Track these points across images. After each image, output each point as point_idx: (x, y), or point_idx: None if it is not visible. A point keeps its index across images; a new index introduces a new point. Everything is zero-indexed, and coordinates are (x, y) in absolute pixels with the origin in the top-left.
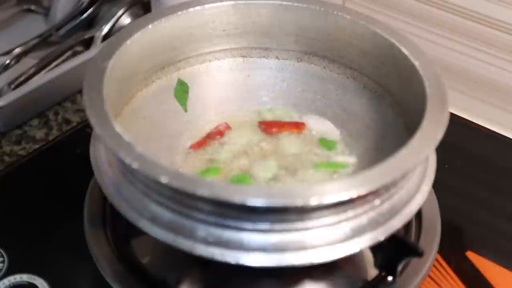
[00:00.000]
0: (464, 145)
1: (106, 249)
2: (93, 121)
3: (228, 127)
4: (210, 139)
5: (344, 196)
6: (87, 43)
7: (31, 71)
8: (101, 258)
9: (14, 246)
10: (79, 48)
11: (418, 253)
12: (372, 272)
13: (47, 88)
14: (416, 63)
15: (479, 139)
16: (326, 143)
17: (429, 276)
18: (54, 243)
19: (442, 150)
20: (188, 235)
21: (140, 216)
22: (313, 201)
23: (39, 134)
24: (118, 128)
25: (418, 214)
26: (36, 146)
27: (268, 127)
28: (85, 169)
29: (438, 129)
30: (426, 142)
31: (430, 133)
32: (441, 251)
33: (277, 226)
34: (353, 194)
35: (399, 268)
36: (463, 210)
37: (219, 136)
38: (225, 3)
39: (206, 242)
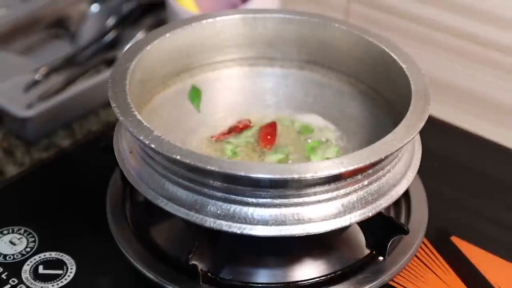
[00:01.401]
0: (450, 143)
1: (127, 231)
2: (116, 110)
3: (246, 126)
4: (230, 132)
5: (334, 171)
6: (110, 63)
7: (58, 86)
8: (122, 238)
9: (44, 228)
10: (102, 68)
11: (404, 230)
12: (364, 252)
13: (73, 102)
14: (404, 66)
15: (465, 137)
16: (305, 128)
17: (416, 256)
18: (80, 226)
19: (432, 149)
20: (199, 210)
21: (158, 195)
22: (308, 175)
23: (65, 143)
24: (138, 116)
25: (408, 201)
26: None
27: (265, 141)
28: (108, 162)
29: (420, 119)
30: (409, 130)
31: (413, 122)
32: (427, 235)
33: (277, 201)
34: (342, 170)
35: (388, 246)
36: (449, 198)
37: (237, 131)
38: (234, 16)
39: (215, 215)
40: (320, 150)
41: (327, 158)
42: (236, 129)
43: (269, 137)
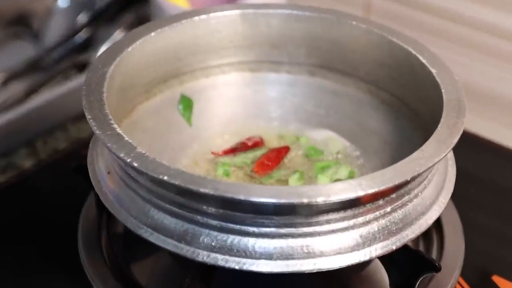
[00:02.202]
0: (489, 164)
1: (103, 268)
2: (92, 122)
3: (257, 143)
4: (235, 151)
5: (351, 195)
6: (81, 67)
7: (19, 96)
8: (97, 277)
9: (2, 266)
10: (72, 73)
11: (435, 267)
12: None
13: (36, 115)
14: (434, 71)
15: (507, 156)
16: (314, 151)
17: None
18: (46, 263)
19: (467, 170)
20: (190, 241)
21: (141, 223)
22: (320, 199)
23: (27, 163)
24: (118, 129)
25: (440, 232)
26: None
27: (261, 168)
28: (79, 187)
29: (454, 133)
30: (440, 146)
31: (445, 137)
32: (464, 273)
33: (283, 230)
34: (360, 193)
35: (417, 286)
36: (489, 229)
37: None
38: (232, 12)
39: (210, 248)
40: (331, 170)
41: (337, 180)
42: (244, 147)
43: (269, 163)
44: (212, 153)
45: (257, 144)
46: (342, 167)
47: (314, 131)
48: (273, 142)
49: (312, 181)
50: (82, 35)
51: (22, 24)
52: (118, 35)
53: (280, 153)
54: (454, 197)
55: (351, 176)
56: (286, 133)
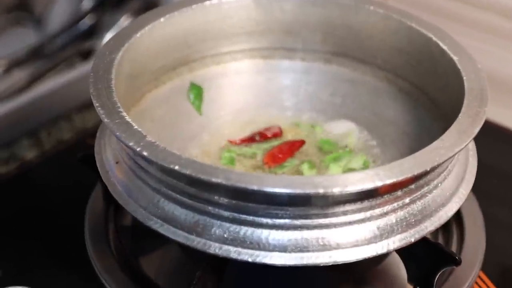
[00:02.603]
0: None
1: (110, 261)
2: (100, 110)
3: (276, 134)
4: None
5: (368, 185)
6: (86, 55)
7: (21, 84)
8: (104, 270)
9: (8, 259)
10: (76, 61)
11: (455, 260)
12: (406, 287)
13: (39, 104)
14: (455, 58)
15: None
16: (327, 144)
17: None
18: (53, 255)
19: (489, 161)
20: (201, 232)
21: (150, 215)
22: (336, 190)
23: (30, 155)
24: (127, 117)
25: (460, 225)
26: None
27: (271, 160)
28: (85, 178)
29: (475, 123)
30: (461, 136)
31: (466, 126)
32: (484, 268)
33: (298, 221)
34: (378, 183)
35: (436, 280)
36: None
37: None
38: None
39: (222, 239)
40: (344, 160)
41: (350, 170)
42: (263, 137)
43: (280, 155)
44: (229, 141)
45: (276, 135)
46: (357, 156)
47: (331, 122)
48: (287, 131)
49: (324, 171)
50: (86, 22)
51: (24, 10)
52: (124, 21)
53: (294, 146)
54: (475, 189)
55: (365, 166)
56: (300, 122)
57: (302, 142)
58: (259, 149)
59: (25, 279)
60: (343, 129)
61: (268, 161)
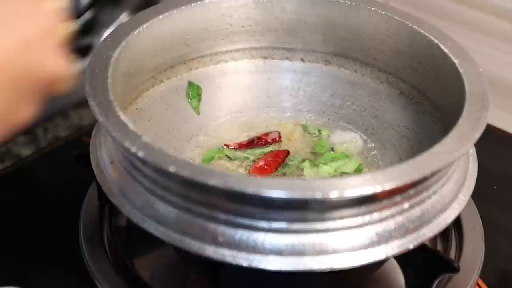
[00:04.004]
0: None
1: (104, 262)
2: (96, 109)
3: (274, 140)
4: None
5: (367, 190)
6: (84, 51)
7: None
8: (98, 272)
9: (1, 257)
10: (74, 57)
11: (454, 268)
12: None
13: None
14: (456, 61)
15: None
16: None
17: None
18: (46, 256)
19: (490, 167)
20: (196, 235)
21: (145, 216)
22: (334, 194)
23: (25, 152)
24: (123, 117)
25: (459, 231)
26: None
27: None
28: (81, 176)
29: (476, 127)
30: (462, 141)
31: (467, 131)
32: (483, 276)
33: (295, 225)
34: (377, 188)
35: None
36: (511, 229)
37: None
38: None
39: (217, 242)
40: (339, 162)
41: (342, 173)
42: (261, 142)
43: (266, 167)
44: (225, 145)
45: (274, 141)
46: (351, 161)
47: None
48: (284, 132)
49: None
50: (84, 18)
51: None
52: (123, 18)
53: (279, 156)
54: (475, 195)
55: (358, 171)
56: (299, 123)
57: (286, 152)
58: (252, 155)
59: (17, 279)
60: (346, 138)
61: (254, 173)
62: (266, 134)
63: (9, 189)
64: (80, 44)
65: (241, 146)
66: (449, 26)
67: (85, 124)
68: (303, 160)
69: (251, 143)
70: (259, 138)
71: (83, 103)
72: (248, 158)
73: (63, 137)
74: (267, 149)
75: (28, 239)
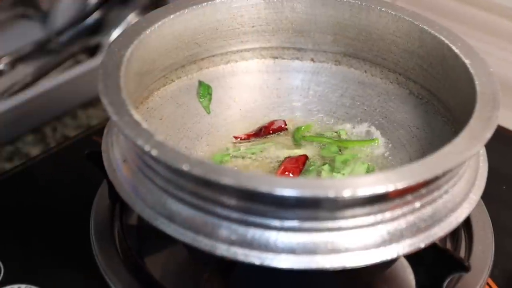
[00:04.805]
0: None
1: (116, 261)
2: (109, 108)
3: (280, 128)
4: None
5: (380, 189)
6: (92, 51)
7: (27, 80)
8: (110, 270)
9: (11, 257)
10: (82, 57)
11: (464, 267)
12: None
13: (44, 100)
14: (467, 62)
15: None
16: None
17: None
18: (57, 254)
19: (500, 167)
20: (209, 234)
21: (157, 214)
22: (346, 193)
23: (34, 151)
24: (136, 116)
25: (469, 231)
26: None
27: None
28: (91, 175)
29: (487, 128)
30: (472, 141)
31: (478, 131)
32: (493, 275)
33: (307, 224)
34: (389, 187)
35: (444, 287)
36: None
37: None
38: None
39: (229, 241)
40: (349, 166)
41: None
42: (268, 131)
43: (289, 173)
44: (234, 137)
45: (280, 129)
46: (359, 163)
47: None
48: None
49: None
50: (93, 17)
51: (30, 4)
52: (131, 18)
53: (298, 162)
54: (485, 195)
55: (369, 171)
56: (309, 123)
57: (305, 157)
58: (255, 150)
59: (28, 277)
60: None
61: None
62: (272, 123)
63: (19, 188)
64: (89, 44)
65: (249, 137)
66: (454, 26)
67: (93, 124)
68: (323, 164)
69: (258, 133)
70: (265, 127)
71: (91, 103)
72: (254, 153)
73: (72, 137)
74: (267, 144)
75: (39, 238)
